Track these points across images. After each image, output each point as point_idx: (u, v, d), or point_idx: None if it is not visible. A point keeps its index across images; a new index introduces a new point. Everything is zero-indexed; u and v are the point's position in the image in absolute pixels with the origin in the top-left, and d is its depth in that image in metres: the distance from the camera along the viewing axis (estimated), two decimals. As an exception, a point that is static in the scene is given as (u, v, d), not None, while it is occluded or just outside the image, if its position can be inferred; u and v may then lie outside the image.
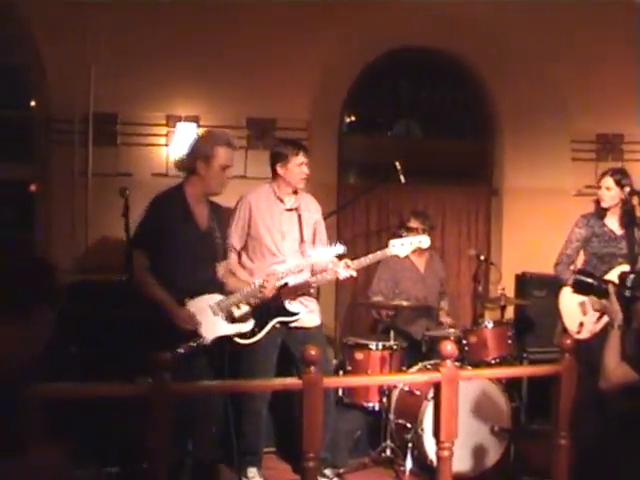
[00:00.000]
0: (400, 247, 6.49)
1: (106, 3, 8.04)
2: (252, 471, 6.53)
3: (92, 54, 8.05)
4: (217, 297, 5.77)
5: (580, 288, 6.12)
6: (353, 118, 9.71)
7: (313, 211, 6.72)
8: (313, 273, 6.60)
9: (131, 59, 8.16)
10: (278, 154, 6.54)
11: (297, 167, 6.48)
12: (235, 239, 6.53)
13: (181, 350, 5.49)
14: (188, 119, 8.29)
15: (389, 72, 9.55)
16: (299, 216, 6.56)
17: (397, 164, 7.92)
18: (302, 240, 6.56)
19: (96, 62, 8.05)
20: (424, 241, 6.62)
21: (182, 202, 5.79)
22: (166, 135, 8.26)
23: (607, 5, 8.85)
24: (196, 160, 5.78)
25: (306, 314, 6.55)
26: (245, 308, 5.97)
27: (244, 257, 6.58)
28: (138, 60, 8.16)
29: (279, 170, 6.52)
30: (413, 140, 9.80)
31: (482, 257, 8.17)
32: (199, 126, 8.30)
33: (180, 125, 8.25)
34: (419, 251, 7.84)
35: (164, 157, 8.31)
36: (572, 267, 6.90)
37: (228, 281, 6.09)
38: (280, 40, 8.55)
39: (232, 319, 5.82)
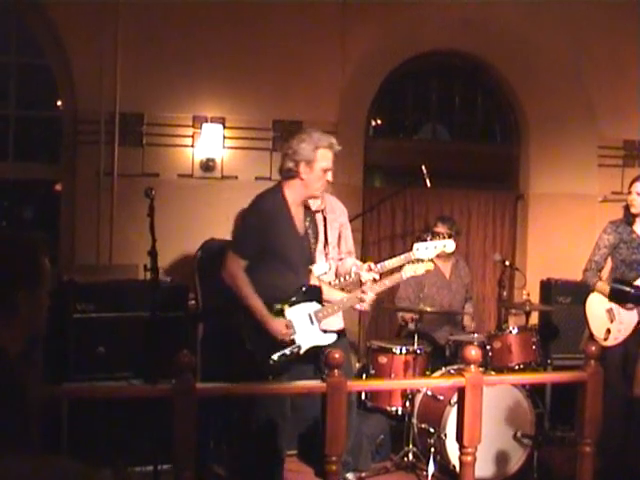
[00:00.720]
0: (424, 251, 6.38)
1: (133, 3, 8.08)
2: None
3: (118, 54, 8.06)
4: (316, 306, 5.69)
5: (617, 296, 6.12)
6: (379, 122, 9.70)
7: (338, 213, 6.65)
8: (337, 276, 6.57)
9: (157, 60, 8.18)
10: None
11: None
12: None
13: (275, 358, 5.47)
14: (214, 120, 8.30)
15: (416, 75, 9.54)
16: (324, 218, 6.45)
17: (423, 168, 7.92)
18: (327, 241, 6.47)
19: (123, 62, 8.07)
20: (449, 245, 6.52)
21: (283, 206, 5.65)
22: (192, 136, 8.26)
23: (635, 12, 8.82)
24: (298, 163, 5.61)
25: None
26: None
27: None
28: (165, 61, 8.18)
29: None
30: (439, 144, 9.79)
31: (507, 262, 8.15)
32: (225, 127, 8.31)
33: (206, 126, 8.26)
34: (445, 256, 7.85)
35: (190, 158, 8.31)
36: (599, 274, 6.85)
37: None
38: (308, 42, 8.57)
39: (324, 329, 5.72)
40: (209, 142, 8.24)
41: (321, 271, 6.23)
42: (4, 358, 2.79)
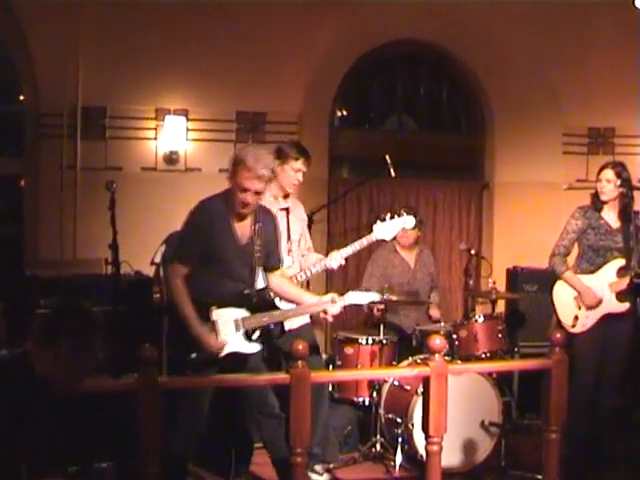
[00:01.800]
0: (384, 230, 6.35)
1: (95, -4, 8.04)
2: None
3: (81, 48, 8.03)
4: (243, 312, 5.61)
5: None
6: (345, 112, 9.67)
7: (299, 211, 6.64)
8: (302, 269, 6.54)
9: (120, 52, 8.15)
10: (279, 151, 6.37)
11: (293, 171, 6.35)
12: None
13: (193, 356, 5.44)
14: (177, 112, 8.27)
15: (381, 66, 9.52)
16: (287, 216, 6.45)
17: (387, 157, 7.89)
18: (288, 239, 6.43)
19: (84, 56, 8.03)
20: (408, 222, 6.44)
21: (223, 213, 5.60)
22: (155, 129, 8.22)
23: (600, 3, 8.84)
24: (229, 171, 5.59)
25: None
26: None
27: None
28: (127, 53, 8.16)
29: (276, 168, 6.39)
30: (405, 134, 9.76)
31: (473, 251, 8.15)
32: (188, 119, 8.27)
33: (169, 118, 8.22)
34: (409, 246, 7.87)
35: (153, 150, 8.28)
36: (566, 260, 6.85)
37: (284, 290, 5.91)
38: (271, 33, 8.54)
39: (250, 338, 5.63)
40: (172, 134, 8.21)
41: (284, 265, 6.19)
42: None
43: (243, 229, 5.63)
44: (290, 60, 8.60)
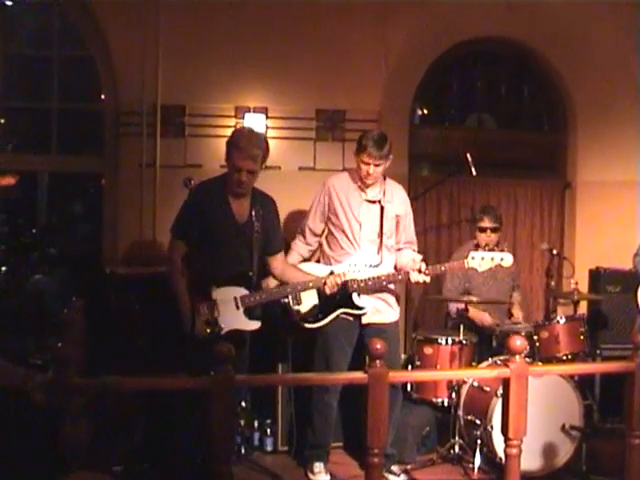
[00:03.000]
0: (479, 261, 6.30)
1: (175, -5, 8.07)
2: (318, 466, 6.49)
3: (160, 46, 8.06)
4: (243, 291, 5.77)
5: None
6: (425, 111, 9.60)
7: (396, 203, 6.54)
8: (396, 269, 6.51)
9: (199, 51, 8.17)
10: (357, 142, 6.40)
11: (361, 164, 6.32)
12: (312, 223, 6.54)
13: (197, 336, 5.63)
14: (257, 110, 8.25)
15: (462, 63, 9.43)
16: (382, 208, 6.42)
17: (468, 156, 7.83)
18: (381, 232, 6.42)
19: (164, 54, 8.06)
20: (506, 259, 6.38)
21: (220, 194, 5.82)
22: (234, 126, 8.20)
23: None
24: (225, 155, 5.86)
25: (380, 310, 6.49)
26: (310, 301, 5.99)
27: (324, 243, 6.56)
28: (206, 52, 8.17)
29: (355, 159, 6.43)
30: (485, 132, 9.65)
31: (555, 251, 8.02)
32: (267, 117, 8.26)
33: (248, 116, 8.21)
34: (493, 245, 7.71)
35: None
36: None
37: (287, 273, 6.11)
38: (351, 30, 8.49)
39: (250, 315, 5.80)
40: (252, 132, 8.20)
41: (371, 262, 6.19)
42: None
43: (241, 209, 5.82)
44: (369, 58, 8.54)
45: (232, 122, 8.22)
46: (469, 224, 8.63)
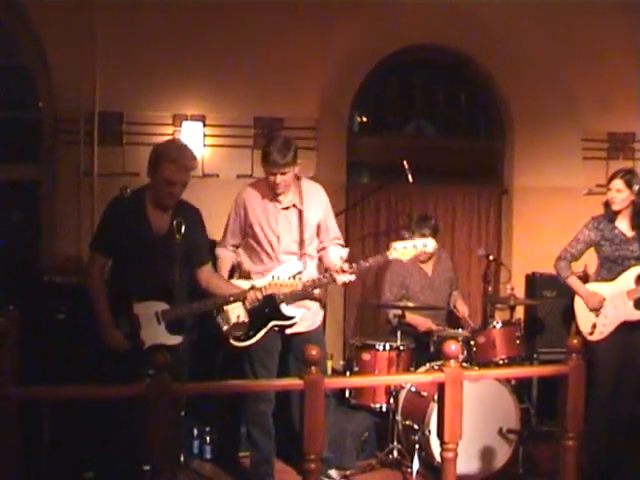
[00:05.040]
0: (402, 250, 6.09)
1: (112, 3, 8.02)
2: None
3: (97, 54, 8.03)
4: (164, 305, 5.67)
5: None
6: (365, 119, 9.64)
7: (315, 208, 6.33)
8: (323, 265, 6.42)
9: (137, 59, 8.15)
10: (262, 151, 6.15)
11: (268, 174, 6.11)
12: (229, 237, 6.35)
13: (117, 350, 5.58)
14: (194, 118, 8.25)
15: (399, 72, 9.48)
16: (300, 213, 6.24)
17: (405, 163, 7.88)
18: (302, 240, 6.26)
19: (101, 62, 8.03)
20: (429, 244, 6.19)
21: (138, 206, 5.72)
22: (172, 134, 8.20)
23: (617, 5, 8.80)
24: (148, 167, 5.73)
25: (304, 318, 6.32)
26: (241, 314, 5.94)
27: (245, 257, 6.38)
28: (144, 60, 8.15)
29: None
30: (424, 139, 9.72)
31: (491, 257, 8.11)
32: (205, 125, 8.27)
33: (186, 124, 8.21)
34: (429, 255, 7.72)
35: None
36: (571, 265, 6.81)
37: (212, 285, 5.95)
38: (289, 39, 8.52)
39: (172, 329, 5.70)
40: (189, 140, 8.16)
41: (294, 271, 6.12)
42: None
43: (160, 222, 5.70)
44: (307, 66, 8.57)
45: (170, 130, 8.22)
46: (407, 231, 8.65)
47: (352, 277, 6.12)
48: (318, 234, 6.40)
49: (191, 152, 5.75)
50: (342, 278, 6.10)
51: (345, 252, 6.35)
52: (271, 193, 6.19)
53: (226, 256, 6.32)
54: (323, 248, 6.46)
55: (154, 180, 5.67)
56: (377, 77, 9.19)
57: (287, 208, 6.24)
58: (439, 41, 9.11)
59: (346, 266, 6.09)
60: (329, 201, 6.48)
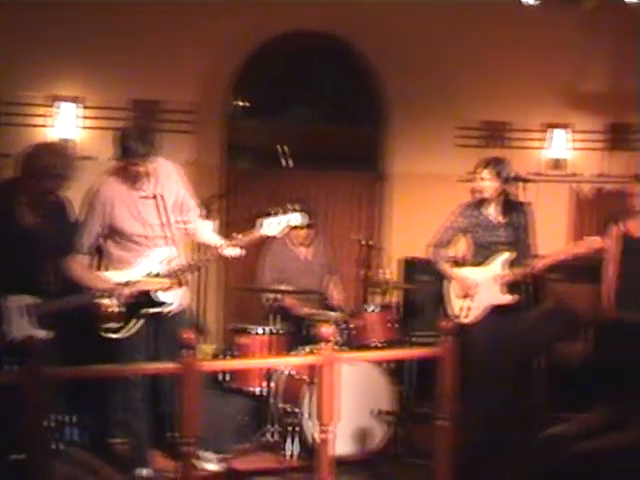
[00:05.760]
0: (270, 226, 6.15)
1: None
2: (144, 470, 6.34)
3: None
4: (27, 299, 5.57)
5: None
6: (246, 103, 9.63)
7: (170, 188, 6.15)
8: (198, 242, 6.44)
9: (13, 39, 8.04)
10: (118, 145, 6.00)
11: (130, 166, 5.96)
12: (85, 239, 6.04)
13: None
14: (70, 99, 8.14)
15: (284, 58, 9.49)
16: (161, 197, 6.07)
17: (281, 148, 7.87)
18: (168, 224, 6.11)
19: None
20: (294, 218, 6.20)
21: (8, 198, 5.59)
22: (50, 116, 8.07)
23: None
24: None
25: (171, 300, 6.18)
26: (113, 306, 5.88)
27: (110, 250, 6.16)
28: (20, 40, 8.03)
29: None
30: (304, 125, 9.77)
31: (364, 242, 8.12)
32: (83, 107, 8.16)
33: (63, 105, 8.09)
34: (303, 239, 7.80)
35: (48, 138, 8.11)
36: (443, 251, 6.93)
37: (84, 276, 5.88)
38: (167, 21, 8.47)
39: (42, 323, 5.59)
40: (66, 122, 8.08)
41: (163, 256, 6.04)
42: None
43: (29, 213, 5.60)
44: (186, 49, 8.56)
45: (46, 111, 8.09)
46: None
47: (238, 250, 6.14)
48: (181, 213, 6.26)
49: (59, 151, 5.72)
50: (229, 252, 6.12)
51: (215, 225, 6.36)
52: (128, 182, 6.03)
53: (82, 263, 6.05)
54: (187, 222, 6.32)
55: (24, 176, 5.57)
56: (260, 62, 9.18)
57: (147, 196, 6.09)
58: (320, 28, 9.14)
59: (225, 245, 6.11)
60: (184, 176, 6.36)
